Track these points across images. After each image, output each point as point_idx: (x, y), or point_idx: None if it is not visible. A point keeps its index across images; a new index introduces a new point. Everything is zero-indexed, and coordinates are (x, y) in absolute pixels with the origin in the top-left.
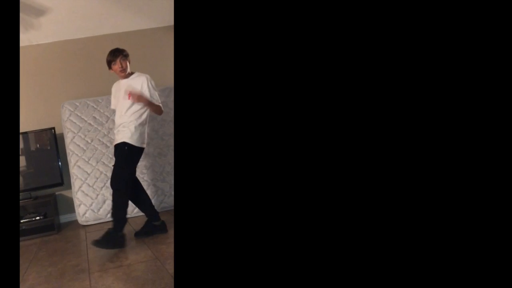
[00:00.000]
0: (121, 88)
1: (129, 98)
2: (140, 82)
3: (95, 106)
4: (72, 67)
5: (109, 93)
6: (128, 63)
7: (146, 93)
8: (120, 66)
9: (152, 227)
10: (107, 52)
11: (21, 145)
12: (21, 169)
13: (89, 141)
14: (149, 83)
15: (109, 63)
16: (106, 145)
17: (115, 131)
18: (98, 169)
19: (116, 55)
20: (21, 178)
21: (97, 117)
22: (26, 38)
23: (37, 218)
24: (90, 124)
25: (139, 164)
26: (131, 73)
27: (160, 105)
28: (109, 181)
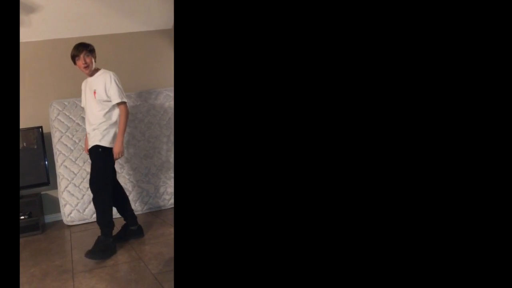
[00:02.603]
0: (87, 86)
1: (95, 97)
2: (103, 81)
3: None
4: (61, 66)
5: None
6: (93, 59)
7: (112, 92)
8: (83, 62)
9: (128, 231)
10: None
11: None
12: None
13: (77, 141)
14: (114, 80)
15: (73, 58)
16: None
17: (87, 132)
18: (85, 170)
19: (80, 50)
20: None
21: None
22: None
23: (22, 217)
24: (78, 124)
25: (124, 165)
26: (97, 70)
27: (126, 101)
28: None
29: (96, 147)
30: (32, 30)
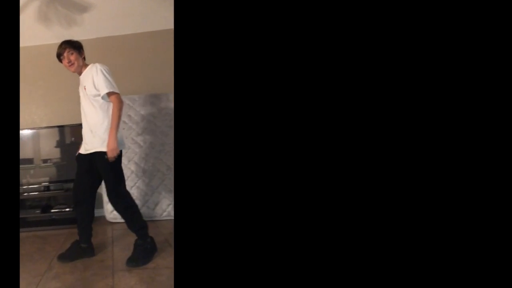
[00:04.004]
0: (80, 86)
1: (86, 93)
2: (91, 74)
3: (131, 104)
4: (111, 64)
5: (146, 91)
6: (78, 56)
7: (99, 83)
8: (67, 60)
9: (78, 249)
10: (146, 49)
11: (57, 138)
12: (55, 160)
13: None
14: (101, 70)
15: (58, 57)
16: (140, 144)
17: (83, 134)
18: (130, 168)
19: (63, 47)
20: (54, 169)
21: (132, 116)
22: (69, 34)
23: (67, 209)
24: (124, 122)
25: (152, 168)
26: (87, 66)
27: (118, 92)
28: (139, 181)
29: (101, 154)
30: (84, 29)
